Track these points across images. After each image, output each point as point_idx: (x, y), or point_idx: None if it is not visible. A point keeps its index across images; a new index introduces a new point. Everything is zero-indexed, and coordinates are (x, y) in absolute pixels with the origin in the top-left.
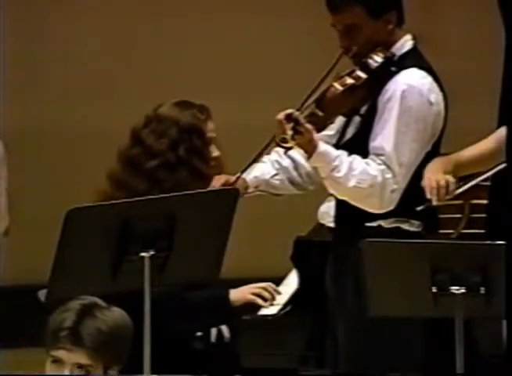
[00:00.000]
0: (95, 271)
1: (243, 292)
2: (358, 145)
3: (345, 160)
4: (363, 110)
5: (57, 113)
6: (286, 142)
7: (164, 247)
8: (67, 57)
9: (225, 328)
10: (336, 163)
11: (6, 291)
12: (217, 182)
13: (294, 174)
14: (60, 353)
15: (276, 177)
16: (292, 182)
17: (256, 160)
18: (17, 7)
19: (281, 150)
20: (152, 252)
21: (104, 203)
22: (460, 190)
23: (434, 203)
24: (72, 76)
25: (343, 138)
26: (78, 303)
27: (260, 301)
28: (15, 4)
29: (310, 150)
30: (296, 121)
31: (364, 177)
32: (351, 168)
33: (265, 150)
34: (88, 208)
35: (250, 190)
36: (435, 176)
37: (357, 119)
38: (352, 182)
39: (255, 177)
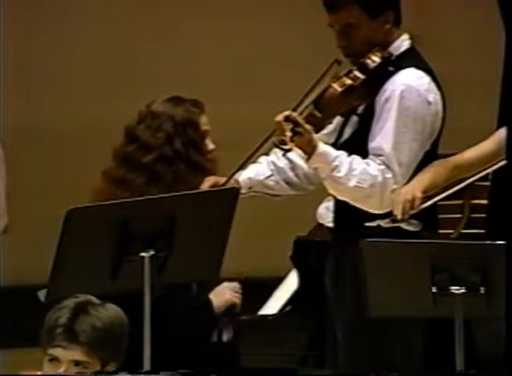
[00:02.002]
0: (95, 271)
1: (222, 295)
2: (357, 145)
3: (345, 161)
4: (360, 109)
5: (57, 113)
6: (285, 143)
7: (163, 247)
8: (67, 56)
9: (225, 330)
10: (336, 163)
11: (6, 291)
12: (206, 184)
13: (291, 174)
14: (56, 351)
15: (271, 178)
16: (288, 183)
17: (247, 161)
18: (17, 6)
19: (280, 152)
20: (152, 252)
21: (104, 203)
22: (424, 206)
23: (399, 217)
24: (72, 75)
25: (341, 138)
26: (72, 301)
27: (238, 301)
28: (15, 3)
29: (309, 150)
30: (295, 123)
31: (364, 177)
32: (351, 168)
33: (257, 151)
34: (88, 208)
35: (242, 191)
36: (405, 190)
37: (354, 119)
38: (353, 182)
39: (249, 178)
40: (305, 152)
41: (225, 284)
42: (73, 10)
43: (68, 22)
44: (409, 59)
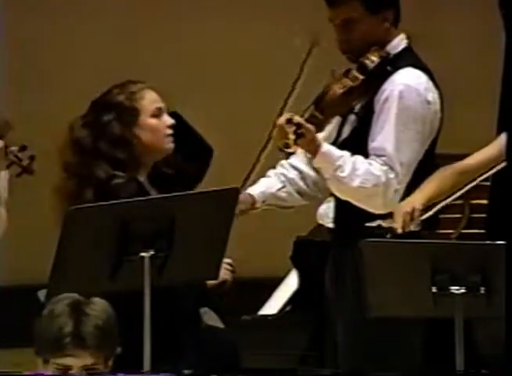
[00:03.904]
0: (95, 271)
1: None
2: (356, 144)
3: (348, 160)
4: (357, 108)
5: (57, 113)
6: (289, 146)
7: (163, 247)
8: (68, 58)
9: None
10: (339, 163)
11: (6, 291)
12: None
13: (301, 184)
14: (68, 360)
15: (283, 189)
16: (300, 192)
17: (252, 171)
18: (19, 7)
19: (285, 162)
20: (152, 252)
21: (104, 203)
22: (424, 217)
23: (399, 231)
24: (72, 76)
25: (339, 137)
26: (63, 305)
27: (229, 278)
28: (16, 4)
29: (313, 150)
30: (297, 125)
31: (368, 177)
32: (354, 168)
33: (260, 155)
34: (88, 208)
35: (257, 205)
36: (405, 202)
37: (352, 118)
38: (356, 182)
39: (261, 192)
40: (309, 152)
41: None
42: (77, 12)
43: (68, 22)
44: (407, 58)
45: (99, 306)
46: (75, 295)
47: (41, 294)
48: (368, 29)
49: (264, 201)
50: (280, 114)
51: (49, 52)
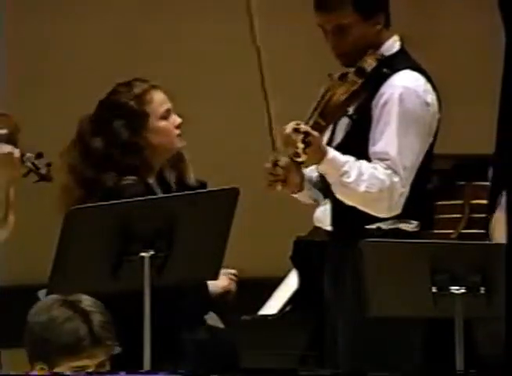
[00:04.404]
0: (95, 271)
1: (220, 281)
2: (350, 148)
3: (354, 166)
4: (351, 110)
5: (57, 113)
6: (299, 156)
7: (163, 247)
8: (68, 58)
9: (217, 322)
10: (345, 168)
11: (6, 291)
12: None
13: None
14: (84, 362)
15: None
16: None
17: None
18: (19, 7)
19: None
20: (152, 252)
21: (104, 203)
22: None
23: None
24: (72, 76)
25: (332, 141)
26: (61, 309)
27: (233, 288)
28: (16, 4)
29: (319, 156)
30: (305, 133)
31: (373, 181)
32: (360, 173)
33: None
34: (88, 208)
35: (304, 185)
36: None
37: (345, 121)
38: (362, 187)
39: (308, 171)
40: (315, 159)
41: (223, 271)
42: (76, 12)
43: (68, 22)
44: (403, 60)
45: (90, 301)
46: (58, 296)
47: (41, 294)
48: (361, 34)
49: (310, 181)
50: (269, 113)
51: (49, 51)
